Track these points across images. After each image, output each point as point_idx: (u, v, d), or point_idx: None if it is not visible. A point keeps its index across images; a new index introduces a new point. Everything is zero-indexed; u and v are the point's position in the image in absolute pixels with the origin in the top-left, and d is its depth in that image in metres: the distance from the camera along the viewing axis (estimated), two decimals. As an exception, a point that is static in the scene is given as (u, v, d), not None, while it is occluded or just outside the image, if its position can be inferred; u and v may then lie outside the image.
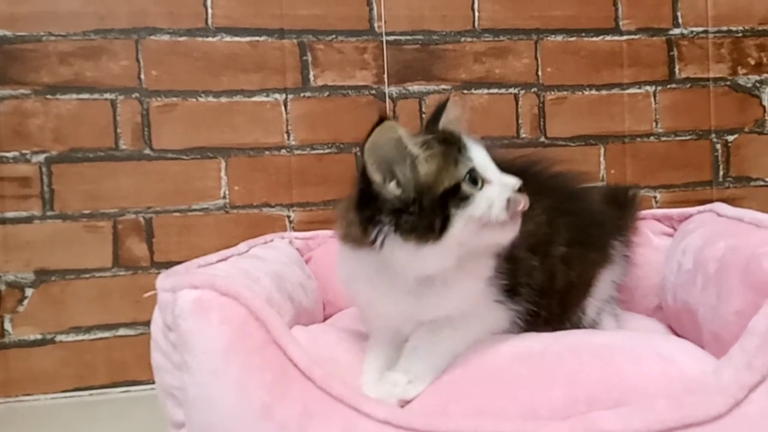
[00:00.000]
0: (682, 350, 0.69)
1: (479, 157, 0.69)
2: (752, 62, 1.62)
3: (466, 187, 0.66)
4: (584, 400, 0.63)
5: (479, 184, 0.67)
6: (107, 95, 1.42)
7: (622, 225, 0.97)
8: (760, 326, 0.62)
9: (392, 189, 0.67)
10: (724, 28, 1.61)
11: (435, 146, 0.68)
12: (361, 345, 0.80)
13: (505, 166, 0.71)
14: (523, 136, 1.56)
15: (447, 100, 0.76)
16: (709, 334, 0.76)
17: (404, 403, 0.68)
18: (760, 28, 1.62)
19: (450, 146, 0.69)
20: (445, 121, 0.75)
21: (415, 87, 1.52)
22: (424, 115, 1.52)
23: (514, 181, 0.67)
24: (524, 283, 0.75)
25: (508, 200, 0.66)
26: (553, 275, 0.79)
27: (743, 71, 1.62)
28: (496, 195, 0.66)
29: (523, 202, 0.67)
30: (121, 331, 1.42)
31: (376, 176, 0.66)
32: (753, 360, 0.59)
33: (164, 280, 0.70)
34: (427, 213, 0.66)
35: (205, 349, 0.65)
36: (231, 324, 0.66)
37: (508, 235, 0.68)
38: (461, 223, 0.66)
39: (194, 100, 1.45)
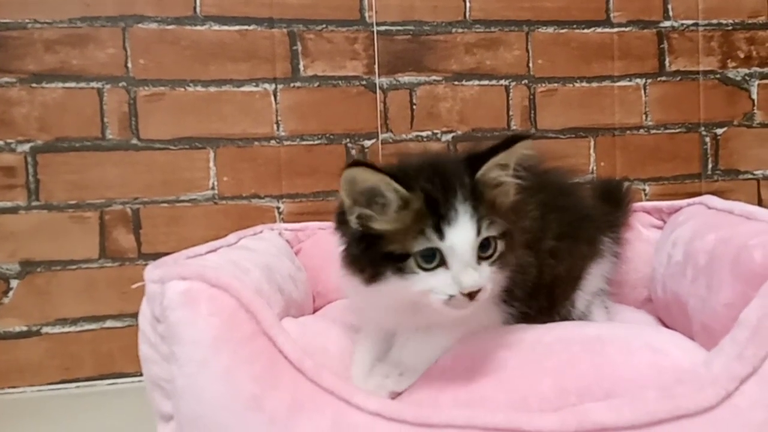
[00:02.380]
0: (672, 342, 0.69)
1: (457, 239, 0.61)
2: (741, 55, 1.63)
3: (411, 263, 0.62)
4: (575, 391, 0.63)
5: (434, 263, 0.62)
6: (93, 84, 1.40)
7: (613, 220, 0.97)
8: (752, 318, 0.62)
9: (353, 219, 0.65)
10: (714, 21, 1.61)
11: (412, 205, 0.63)
12: (351, 337, 0.79)
13: None
14: (514, 128, 1.55)
15: (521, 137, 0.65)
16: (698, 326, 0.76)
17: (395, 395, 0.68)
18: (749, 22, 1.62)
19: (429, 213, 0.62)
20: (506, 159, 0.66)
21: (405, 78, 1.51)
22: (414, 107, 1.52)
23: (470, 284, 0.60)
24: (520, 282, 0.74)
25: (451, 297, 0.61)
26: (542, 269, 0.79)
27: (733, 64, 1.62)
28: (441, 286, 0.61)
29: (466, 308, 0.62)
30: (108, 323, 1.41)
31: (346, 199, 0.65)
32: (744, 351, 0.60)
33: (152, 271, 0.69)
34: (367, 258, 0.64)
35: (194, 341, 0.64)
36: (220, 315, 0.65)
37: (448, 315, 0.64)
38: (392, 286, 0.63)
39: (182, 89, 1.43)
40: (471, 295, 0.61)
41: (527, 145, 0.65)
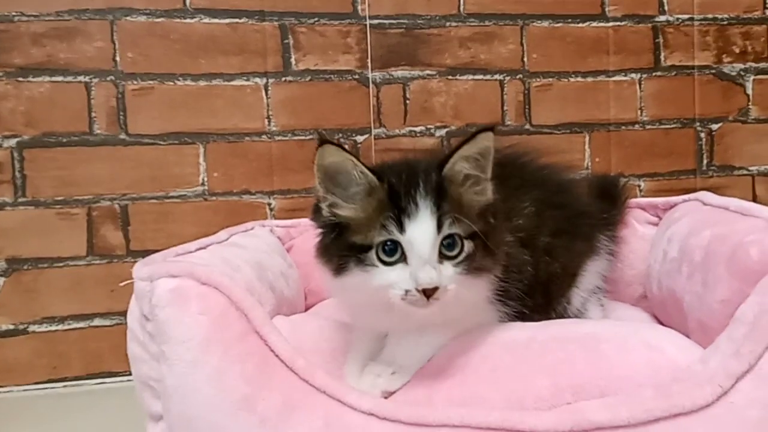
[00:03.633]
0: (668, 339, 0.69)
1: (416, 233, 0.61)
2: (737, 50, 1.62)
3: (373, 255, 0.62)
4: (570, 389, 0.63)
5: (396, 257, 0.62)
6: (81, 78, 1.38)
7: (609, 218, 0.97)
8: (748, 315, 0.62)
9: (325, 207, 0.67)
10: (710, 16, 1.61)
11: (376, 194, 0.64)
12: (344, 335, 0.78)
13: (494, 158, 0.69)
14: (508, 123, 1.55)
15: (484, 129, 0.64)
16: (694, 323, 0.76)
17: (388, 395, 0.67)
18: (745, 16, 1.62)
19: (391, 204, 0.62)
20: (470, 151, 0.65)
21: (399, 72, 1.50)
22: (408, 101, 1.50)
23: (425, 280, 0.60)
24: (515, 280, 0.73)
25: (407, 292, 0.61)
26: (538, 266, 0.79)
27: (728, 59, 1.62)
28: (398, 281, 0.61)
29: (425, 308, 0.61)
30: (96, 321, 1.39)
31: (319, 186, 0.67)
32: (740, 348, 0.59)
33: (141, 268, 0.68)
34: (335, 247, 0.65)
35: (184, 339, 0.64)
36: (210, 313, 0.65)
37: (410, 314, 0.63)
38: (355, 279, 0.64)
39: (172, 83, 1.41)
40: (428, 294, 0.60)
41: (488, 136, 0.64)
